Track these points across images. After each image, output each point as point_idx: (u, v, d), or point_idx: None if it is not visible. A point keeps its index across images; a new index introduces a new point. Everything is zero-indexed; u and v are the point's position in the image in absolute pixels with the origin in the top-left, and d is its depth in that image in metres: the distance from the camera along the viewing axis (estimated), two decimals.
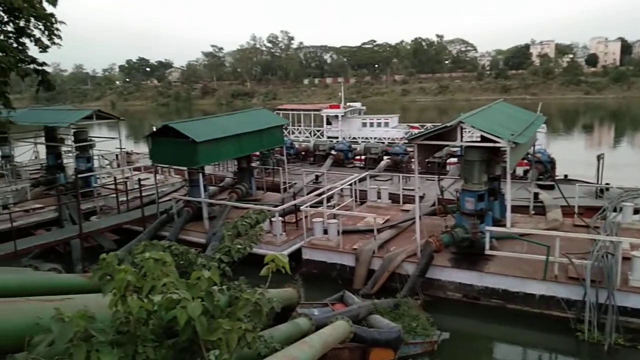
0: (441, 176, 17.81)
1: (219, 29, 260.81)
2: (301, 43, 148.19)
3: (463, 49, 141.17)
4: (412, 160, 22.93)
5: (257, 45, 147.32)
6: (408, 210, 17.79)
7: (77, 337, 2.73)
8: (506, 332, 12.06)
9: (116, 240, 18.42)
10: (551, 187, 19.17)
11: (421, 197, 17.05)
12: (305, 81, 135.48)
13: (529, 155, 18.68)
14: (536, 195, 17.98)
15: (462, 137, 13.08)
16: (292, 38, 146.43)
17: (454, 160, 24.02)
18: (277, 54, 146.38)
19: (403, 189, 19.51)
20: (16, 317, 3.58)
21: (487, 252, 12.73)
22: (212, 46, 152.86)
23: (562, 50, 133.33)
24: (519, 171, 23.59)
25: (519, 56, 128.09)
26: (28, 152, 30.33)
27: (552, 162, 23.05)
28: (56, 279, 6.77)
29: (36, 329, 3.15)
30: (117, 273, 3.02)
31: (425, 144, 13.35)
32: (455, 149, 22.17)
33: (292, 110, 39.65)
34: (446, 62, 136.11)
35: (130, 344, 2.90)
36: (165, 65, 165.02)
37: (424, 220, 14.69)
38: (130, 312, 2.88)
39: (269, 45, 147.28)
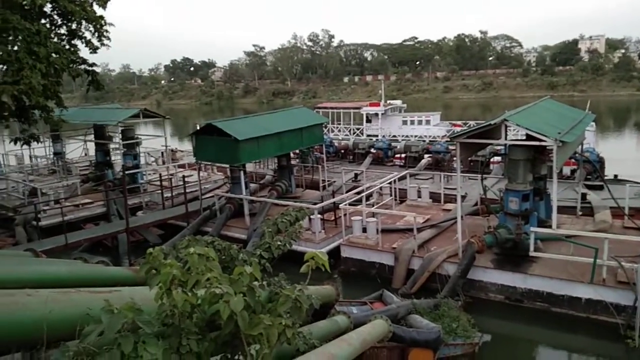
0: (484, 175, 17.45)
1: (261, 29, 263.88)
2: (341, 41, 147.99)
3: (508, 45, 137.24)
4: (454, 158, 22.56)
5: (298, 44, 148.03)
6: (449, 210, 17.52)
7: (125, 328, 2.84)
8: (550, 336, 11.71)
9: (161, 235, 18.98)
10: (600, 188, 18.47)
11: (463, 197, 16.77)
12: (345, 79, 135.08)
13: (577, 155, 18.04)
14: (584, 195, 17.36)
15: (506, 135, 12.78)
16: (332, 36, 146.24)
17: (498, 159, 23.46)
18: (317, 52, 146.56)
19: (444, 188, 19.23)
20: (68, 307, 3.76)
21: (532, 253, 12.38)
22: (254, 45, 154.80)
23: (613, 45, 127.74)
24: (566, 171, 22.82)
25: (566, 52, 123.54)
26: (78, 149, 31.63)
27: (601, 161, 22.19)
28: (104, 271, 7.04)
29: (86, 319, 3.29)
30: (163, 267, 3.12)
31: (468, 142, 13.12)
32: (499, 148, 21.66)
33: (332, 108, 39.72)
34: (490, 58, 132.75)
35: (174, 336, 2.99)
36: (209, 65, 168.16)
37: (466, 220, 14.44)
38: (175, 305, 2.97)
39: (310, 43, 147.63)
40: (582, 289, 11.70)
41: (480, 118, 40.87)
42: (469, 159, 23.24)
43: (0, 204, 21.35)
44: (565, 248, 12.85)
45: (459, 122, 36.84)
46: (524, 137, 13.24)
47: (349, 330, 7.38)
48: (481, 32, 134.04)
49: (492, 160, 23.70)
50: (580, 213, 16.49)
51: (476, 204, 17.49)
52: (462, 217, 13.63)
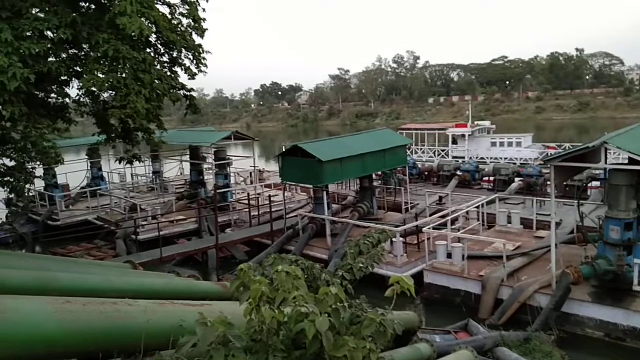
0: (581, 201, 16.34)
1: (346, 53, 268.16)
2: (427, 62, 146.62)
3: (607, 62, 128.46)
4: (548, 183, 21.37)
5: (383, 67, 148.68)
6: (542, 237, 16.56)
7: (217, 342, 2.98)
8: None
9: (247, 252, 19.63)
10: None
11: (558, 224, 15.77)
12: (430, 100, 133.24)
13: None
14: None
15: (606, 159, 11.92)
16: (417, 58, 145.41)
17: (597, 184, 21.91)
18: (402, 74, 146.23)
19: (537, 213, 18.21)
20: (165, 318, 3.99)
21: (636, 288, 11.36)
22: (339, 69, 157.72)
23: None
24: None
25: None
26: (175, 169, 33.72)
27: None
28: (195, 285, 7.40)
29: (180, 331, 3.48)
30: (253, 284, 3.24)
31: (564, 166, 12.38)
32: (598, 172, 20.23)
33: (416, 129, 39.31)
34: (587, 77, 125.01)
35: (262, 352, 3.08)
36: (296, 89, 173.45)
37: (561, 249, 13.56)
38: (263, 321, 3.07)
39: (394, 65, 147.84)
40: None
41: (577, 140, 38.59)
42: (565, 183, 21.91)
43: (104, 218, 23.21)
44: None
45: (553, 145, 35.03)
46: (627, 161, 12.28)
47: (431, 359, 7.14)
48: (577, 49, 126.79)
49: (590, 185, 22.18)
50: None
51: (572, 232, 16.40)
52: (556, 245, 12.82)
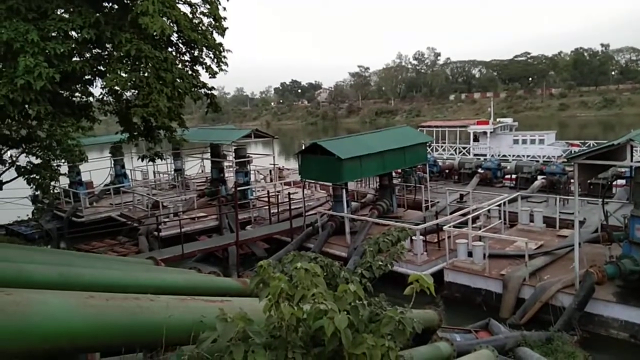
0: (606, 199, 16.02)
1: (366, 50, 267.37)
2: (448, 59, 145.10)
3: (634, 57, 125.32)
4: (572, 180, 21.02)
5: (403, 63, 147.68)
6: (565, 236, 16.28)
7: (236, 337, 3.01)
8: None
9: (267, 248, 19.73)
10: None
11: (581, 222, 15.49)
12: (451, 97, 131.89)
13: None
14: None
15: (632, 156, 11.66)
16: (438, 54, 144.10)
17: (622, 182, 21.44)
18: (422, 70, 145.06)
19: (560, 212, 17.89)
20: (185, 314, 4.04)
21: None
22: (359, 66, 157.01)
23: None
24: None
25: None
26: (196, 166, 34.06)
27: None
28: (215, 281, 7.49)
29: (200, 326, 3.53)
30: (272, 280, 3.27)
31: (588, 164, 12.14)
32: (623, 170, 19.79)
33: (437, 126, 39.04)
34: (612, 73, 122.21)
35: (281, 349, 3.10)
36: (315, 87, 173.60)
37: (584, 248, 13.32)
38: (282, 318, 3.09)
39: (415, 62, 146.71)
40: None
41: (601, 137, 37.90)
42: (588, 181, 21.50)
43: (127, 215, 23.58)
44: None
45: (576, 142, 34.43)
46: None
47: (451, 358, 7.10)
48: (602, 45, 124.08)
49: (614, 183, 21.73)
50: None
51: (596, 231, 16.09)
52: (580, 244, 12.59)
